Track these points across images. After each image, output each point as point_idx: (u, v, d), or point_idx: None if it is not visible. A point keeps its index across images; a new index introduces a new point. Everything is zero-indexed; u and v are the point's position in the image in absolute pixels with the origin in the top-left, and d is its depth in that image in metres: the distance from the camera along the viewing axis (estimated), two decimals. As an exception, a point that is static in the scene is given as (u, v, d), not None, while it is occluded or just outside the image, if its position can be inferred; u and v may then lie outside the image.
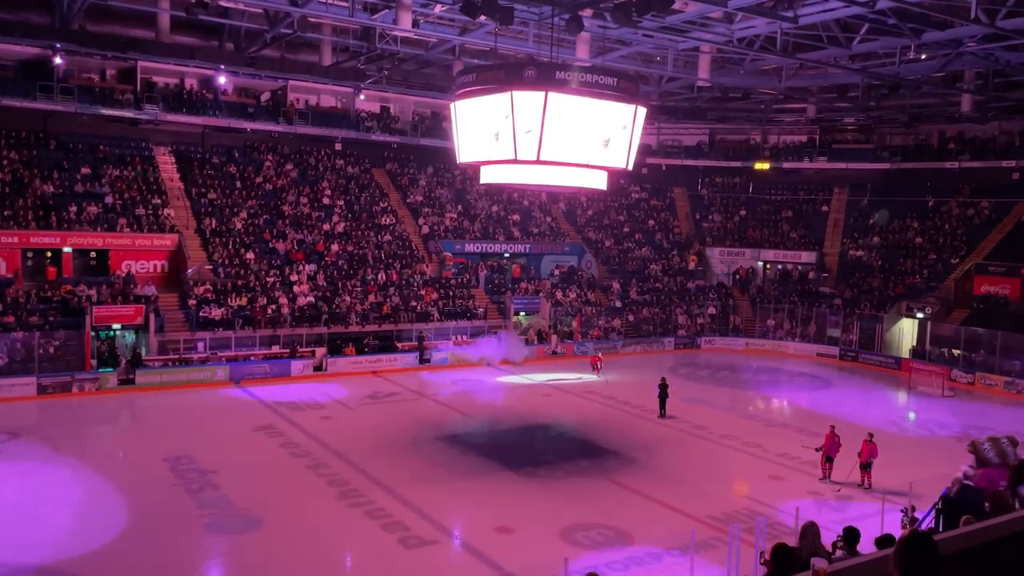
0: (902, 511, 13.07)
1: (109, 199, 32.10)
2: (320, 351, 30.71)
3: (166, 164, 35.65)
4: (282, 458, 19.97)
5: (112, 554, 14.12)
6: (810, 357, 37.99)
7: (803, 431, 23.54)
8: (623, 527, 15.94)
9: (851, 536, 8.50)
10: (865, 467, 18.58)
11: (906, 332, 37.40)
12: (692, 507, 17.02)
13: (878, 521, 13.50)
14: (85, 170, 32.77)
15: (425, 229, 39.56)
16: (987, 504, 7.26)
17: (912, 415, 28.68)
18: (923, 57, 29.78)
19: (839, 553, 8.32)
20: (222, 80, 36.33)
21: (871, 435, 18.87)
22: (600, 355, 32.72)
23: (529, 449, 21.71)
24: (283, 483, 18.11)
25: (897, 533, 8.26)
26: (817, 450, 19.46)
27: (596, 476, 19.31)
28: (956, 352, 34.19)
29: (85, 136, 34.32)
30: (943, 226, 41.42)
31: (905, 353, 36.32)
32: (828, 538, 9.21)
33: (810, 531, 8.37)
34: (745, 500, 17.90)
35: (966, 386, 31.97)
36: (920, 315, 36.68)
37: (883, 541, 7.17)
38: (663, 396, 25.14)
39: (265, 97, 39.24)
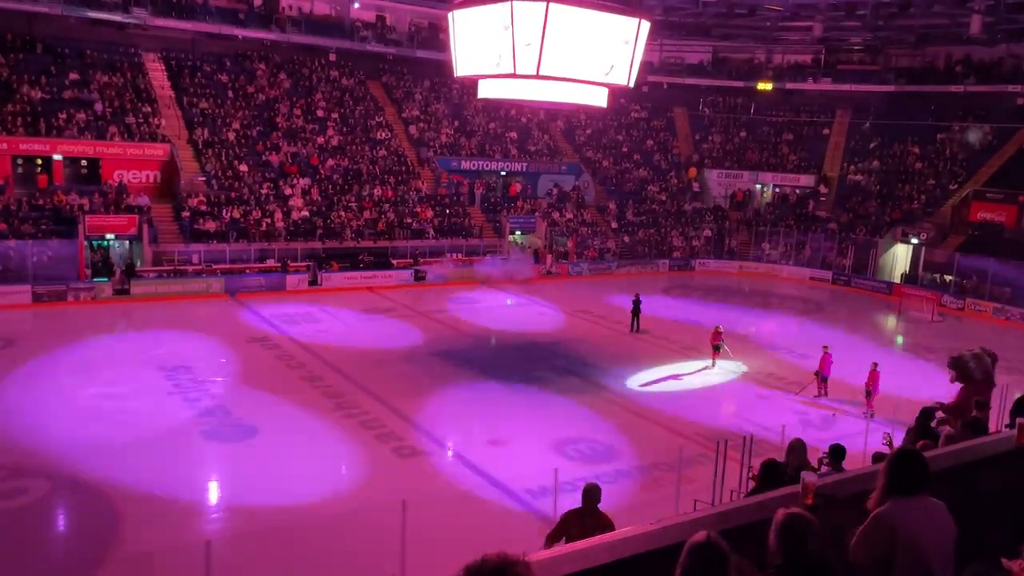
0: (885, 433, 13.34)
1: (99, 106, 31.41)
2: (314, 265, 30.71)
3: (156, 71, 34.76)
4: (278, 369, 20.23)
5: (111, 461, 14.39)
6: (803, 281, 38.19)
7: (792, 352, 23.93)
8: (612, 442, 16.31)
9: (837, 453, 8.71)
10: (868, 395, 18.84)
11: (900, 257, 37.52)
12: (680, 424, 17.39)
13: (862, 441, 13.80)
14: (73, 76, 31.94)
15: (414, 132, 38.90)
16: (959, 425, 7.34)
17: (900, 339, 29.05)
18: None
19: (824, 469, 8.53)
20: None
21: (876, 364, 18.95)
22: (720, 329, 22.63)
23: (521, 365, 21.99)
24: (279, 394, 18.35)
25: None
26: (816, 374, 19.85)
27: (587, 392, 19.64)
28: (948, 278, 34.38)
29: (72, 40, 33.26)
30: (944, 151, 41.04)
31: (897, 278, 36.52)
32: (813, 456, 9.43)
33: (797, 448, 8.58)
34: (732, 418, 18.27)
35: (956, 312, 32.27)
36: (915, 240, 36.72)
37: (879, 458, 7.33)
38: (636, 312, 25.91)
39: (257, 2, 38.00)
